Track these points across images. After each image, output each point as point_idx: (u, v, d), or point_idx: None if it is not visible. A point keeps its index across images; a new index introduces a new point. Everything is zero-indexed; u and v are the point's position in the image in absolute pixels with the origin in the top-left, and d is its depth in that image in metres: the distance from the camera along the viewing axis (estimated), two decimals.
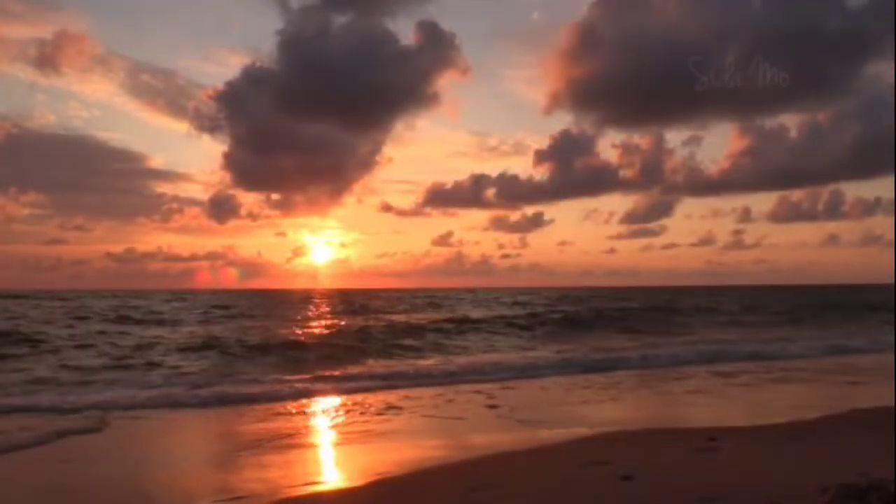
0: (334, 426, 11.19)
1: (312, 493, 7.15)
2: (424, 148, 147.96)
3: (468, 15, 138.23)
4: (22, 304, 52.39)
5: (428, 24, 60.23)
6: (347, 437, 10.18)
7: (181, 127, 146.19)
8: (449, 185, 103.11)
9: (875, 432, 8.69)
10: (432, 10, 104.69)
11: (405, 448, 9.30)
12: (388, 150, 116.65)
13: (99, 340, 24.27)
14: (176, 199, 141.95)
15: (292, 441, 9.83)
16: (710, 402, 13.23)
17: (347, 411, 12.47)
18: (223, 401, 13.54)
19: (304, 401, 13.74)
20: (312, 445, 9.86)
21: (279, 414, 12.22)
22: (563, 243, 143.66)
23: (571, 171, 72.80)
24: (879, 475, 5.41)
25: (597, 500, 6.11)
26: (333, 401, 13.78)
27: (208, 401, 13.46)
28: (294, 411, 12.61)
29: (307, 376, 16.79)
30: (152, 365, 18.61)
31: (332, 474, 8.20)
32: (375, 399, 13.70)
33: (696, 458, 7.70)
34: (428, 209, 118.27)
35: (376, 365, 19.72)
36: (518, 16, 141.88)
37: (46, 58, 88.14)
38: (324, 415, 12.38)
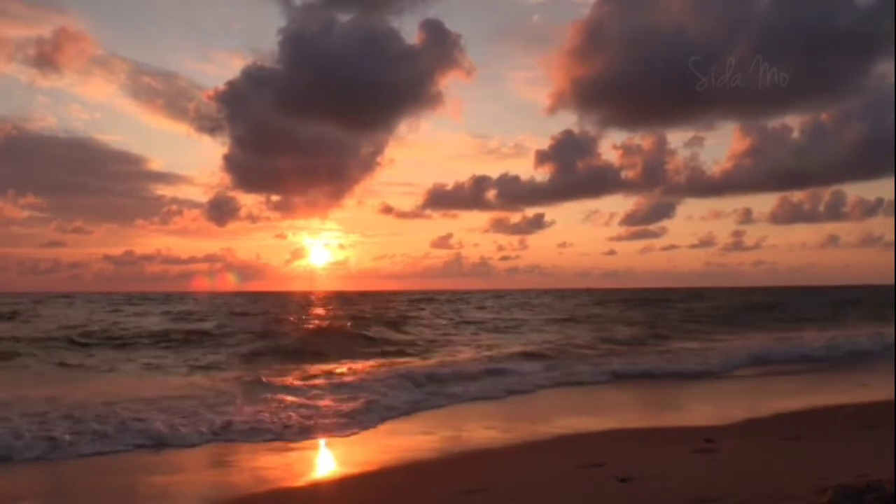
0: None
1: (305, 492, 7.11)
2: (425, 149, 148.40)
3: (468, 17, 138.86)
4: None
5: (432, 24, 59.86)
6: None
7: (181, 129, 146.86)
8: (450, 187, 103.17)
9: (873, 432, 8.64)
10: (432, 12, 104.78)
11: (401, 448, 9.26)
12: (390, 151, 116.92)
13: None
14: (175, 201, 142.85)
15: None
16: None
17: None
18: None
19: None
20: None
21: None
22: (562, 245, 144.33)
23: (573, 173, 72.96)
24: (877, 476, 5.36)
25: (593, 502, 6.06)
26: None
27: None
28: None
29: None
30: None
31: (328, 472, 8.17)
32: None
33: (693, 459, 7.65)
34: (428, 211, 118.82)
35: None
36: (518, 18, 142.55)
37: (46, 56, 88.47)
38: None
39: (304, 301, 74.78)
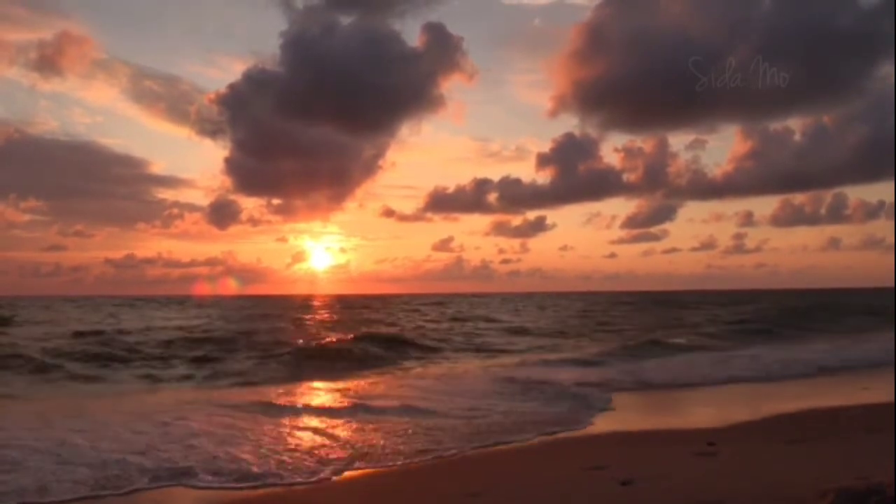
0: None
1: (307, 492, 7.10)
2: (427, 152, 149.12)
3: (469, 20, 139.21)
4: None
5: (434, 27, 59.61)
6: None
7: (183, 132, 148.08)
8: (451, 190, 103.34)
9: (875, 435, 8.62)
10: (434, 15, 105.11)
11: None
12: (391, 154, 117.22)
13: None
14: (176, 204, 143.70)
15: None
16: None
17: None
18: None
19: None
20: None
21: None
22: (564, 248, 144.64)
23: (574, 175, 72.96)
24: (879, 479, 5.33)
25: None
26: None
27: None
28: None
29: None
30: None
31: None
32: None
33: (695, 462, 7.63)
34: (429, 214, 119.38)
35: None
36: (519, 21, 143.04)
37: (48, 60, 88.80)
38: None
39: (319, 305, 74.11)
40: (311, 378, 16.58)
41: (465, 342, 26.37)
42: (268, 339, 25.25)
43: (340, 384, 15.32)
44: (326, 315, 47.99)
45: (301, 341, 24.43)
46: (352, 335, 26.43)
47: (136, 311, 50.88)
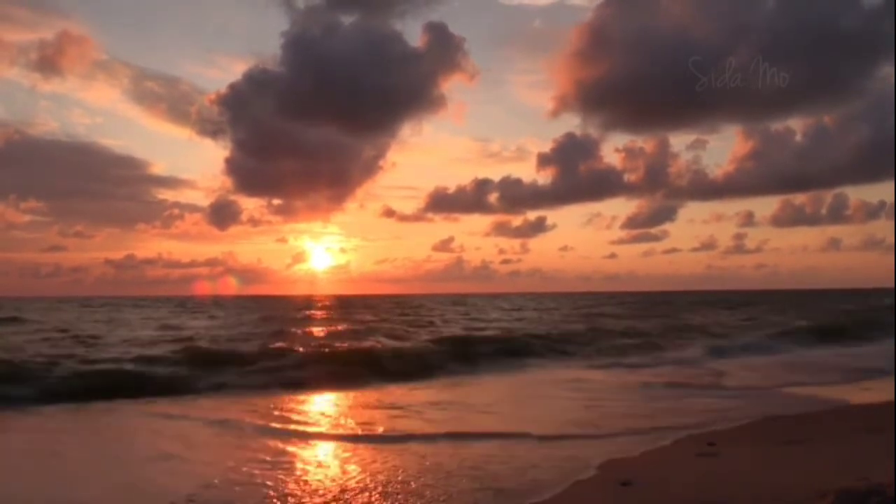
0: None
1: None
2: (428, 153, 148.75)
3: (470, 21, 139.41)
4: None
5: (436, 27, 58.89)
6: None
7: (183, 133, 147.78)
8: (451, 190, 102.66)
9: (875, 435, 8.62)
10: (435, 16, 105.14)
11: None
12: (392, 154, 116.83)
13: None
14: (177, 205, 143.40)
15: None
16: None
17: None
18: None
19: None
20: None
21: None
22: (564, 248, 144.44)
23: (575, 176, 72.47)
24: (879, 479, 5.34)
25: None
26: None
27: None
28: None
29: None
30: None
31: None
32: None
33: (695, 462, 7.63)
34: (430, 214, 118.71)
35: None
36: (520, 22, 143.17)
37: (48, 61, 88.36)
38: None
39: (337, 306, 72.94)
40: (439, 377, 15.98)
41: (541, 345, 24.26)
42: (324, 342, 23.35)
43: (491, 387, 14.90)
44: (367, 316, 44.94)
45: (371, 346, 21.70)
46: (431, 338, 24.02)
47: (148, 312, 50.24)
